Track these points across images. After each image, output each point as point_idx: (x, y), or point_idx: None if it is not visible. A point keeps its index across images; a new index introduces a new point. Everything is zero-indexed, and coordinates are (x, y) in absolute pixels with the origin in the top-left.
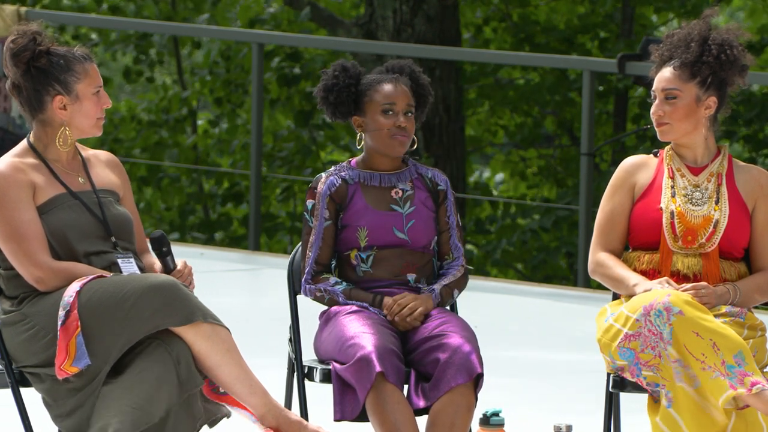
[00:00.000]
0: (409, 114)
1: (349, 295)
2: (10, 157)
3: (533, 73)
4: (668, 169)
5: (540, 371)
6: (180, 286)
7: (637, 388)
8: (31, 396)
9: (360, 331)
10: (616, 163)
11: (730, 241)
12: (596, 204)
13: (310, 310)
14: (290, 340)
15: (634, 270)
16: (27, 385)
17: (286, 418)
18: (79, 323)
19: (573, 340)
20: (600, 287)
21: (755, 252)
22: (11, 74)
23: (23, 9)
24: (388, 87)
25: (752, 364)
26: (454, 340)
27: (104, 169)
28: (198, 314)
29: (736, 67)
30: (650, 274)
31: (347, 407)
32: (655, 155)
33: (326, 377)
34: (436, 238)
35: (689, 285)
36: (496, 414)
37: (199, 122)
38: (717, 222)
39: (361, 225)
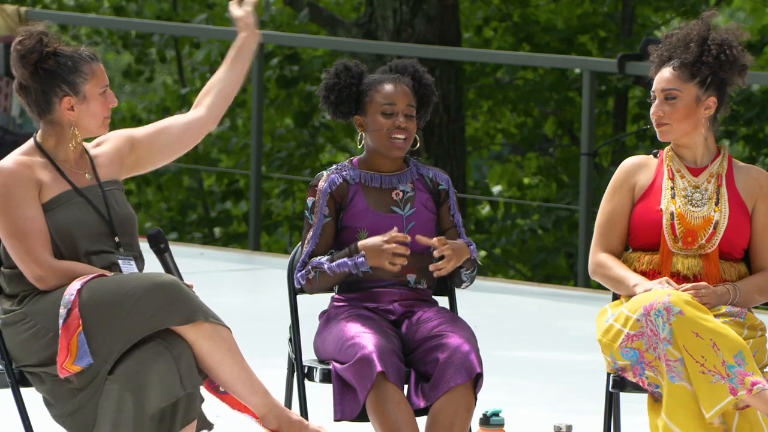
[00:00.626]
0: (410, 114)
1: (332, 258)
2: (17, 154)
3: (529, 72)
4: (668, 170)
5: (540, 371)
6: (182, 285)
7: (637, 388)
8: (31, 396)
9: (360, 331)
10: (616, 164)
11: (729, 241)
12: (596, 204)
13: (310, 310)
14: (290, 340)
15: (634, 270)
16: (27, 385)
17: (288, 418)
18: (80, 321)
19: (573, 340)
20: (600, 287)
21: (755, 252)
22: (18, 75)
23: (23, 9)
24: (388, 87)
25: (752, 364)
26: (454, 340)
27: (107, 159)
28: (199, 314)
29: (735, 67)
30: (650, 274)
31: (347, 407)
32: (655, 156)
33: (326, 377)
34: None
35: (689, 285)
36: (496, 414)
37: None
38: (717, 223)
39: (361, 227)
